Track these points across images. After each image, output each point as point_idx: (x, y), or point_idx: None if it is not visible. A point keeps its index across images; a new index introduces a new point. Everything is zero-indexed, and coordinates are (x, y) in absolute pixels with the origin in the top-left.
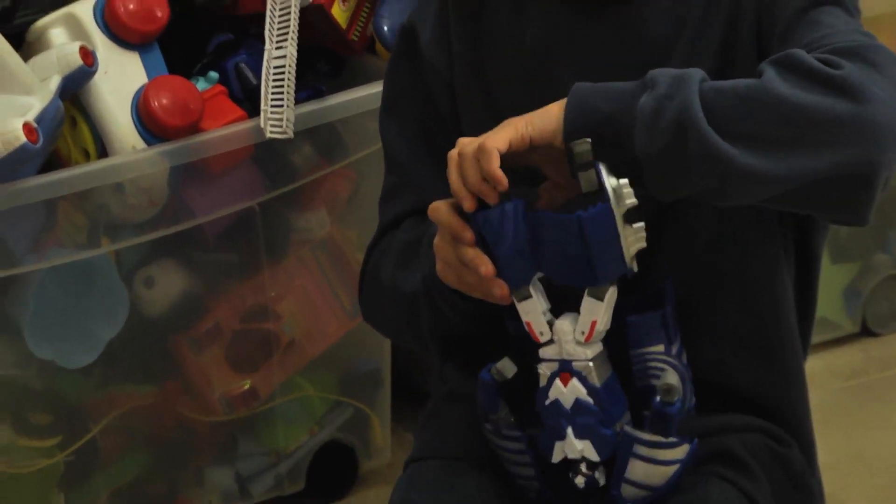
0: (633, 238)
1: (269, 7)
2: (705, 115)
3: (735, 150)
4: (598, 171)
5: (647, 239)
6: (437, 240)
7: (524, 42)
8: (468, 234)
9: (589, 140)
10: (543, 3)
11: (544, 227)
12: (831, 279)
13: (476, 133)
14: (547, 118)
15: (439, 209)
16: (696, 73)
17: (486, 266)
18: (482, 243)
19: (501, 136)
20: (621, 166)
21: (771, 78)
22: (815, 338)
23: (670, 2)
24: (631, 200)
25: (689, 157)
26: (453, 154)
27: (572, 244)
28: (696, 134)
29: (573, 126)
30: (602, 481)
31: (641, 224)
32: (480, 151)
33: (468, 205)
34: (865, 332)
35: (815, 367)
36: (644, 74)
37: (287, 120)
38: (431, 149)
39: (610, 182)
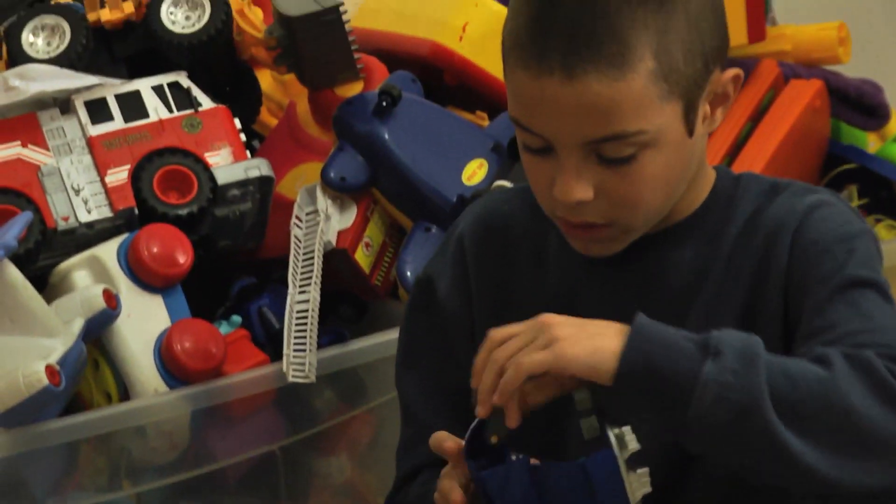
0: (638, 483)
1: (292, 251)
2: (772, 402)
3: (800, 446)
4: (600, 419)
5: (669, 482)
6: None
7: (546, 291)
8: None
9: (588, 388)
10: (565, 255)
11: (550, 478)
12: None
13: None
14: (599, 358)
15: (441, 447)
16: (760, 347)
17: None
18: (486, 499)
19: (540, 359)
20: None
21: (842, 377)
22: None
23: (692, 253)
24: (634, 446)
25: (747, 440)
26: (484, 352)
27: (578, 491)
28: (762, 423)
29: (629, 380)
30: None
31: (646, 469)
32: (512, 365)
33: (482, 411)
34: None
35: None
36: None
37: (309, 364)
38: (449, 403)
39: (612, 431)
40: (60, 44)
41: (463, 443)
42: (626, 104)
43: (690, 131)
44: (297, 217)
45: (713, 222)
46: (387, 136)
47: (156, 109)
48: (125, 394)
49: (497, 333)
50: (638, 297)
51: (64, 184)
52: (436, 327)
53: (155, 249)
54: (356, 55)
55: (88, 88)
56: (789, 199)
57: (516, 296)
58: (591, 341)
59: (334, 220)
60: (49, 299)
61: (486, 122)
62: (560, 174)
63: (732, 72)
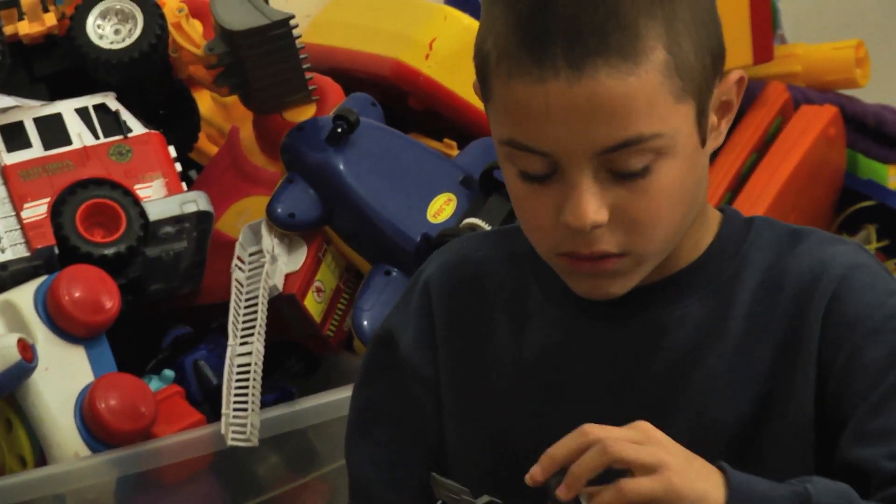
0: None
1: (233, 297)
2: None
3: None
4: None
5: None
6: None
7: (526, 354)
8: None
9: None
10: (551, 309)
11: None
12: None
13: (466, 462)
14: None
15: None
16: (858, 501)
17: None
18: None
19: (649, 489)
20: None
21: None
22: None
23: (698, 307)
24: None
25: None
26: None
27: None
28: None
29: None
30: None
31: None
32: (613, 490)
33: (538, 473)
34: None
35: None
36: (663, 389)
37: (252, 426)
38: (407, 479)
39: None
40: None
41: None
42: (642, 102)
43: (703, 140)
44: (240, 258)
45: (722, 271)
46: (342, 167)
47: (80, 135)
48: (42, 458)
49: (593, 430)
50: (635, 359)
51: None
52: (395, 390)
53: (77, 294)
54: (308, 75)
55: (3, 111)
56: (816, 252)
57: (491, 357)
58: (701, 483)
59: (281, 262)
60: None
61: (454, 152)
62: (571, 196)
63: (736, 74)
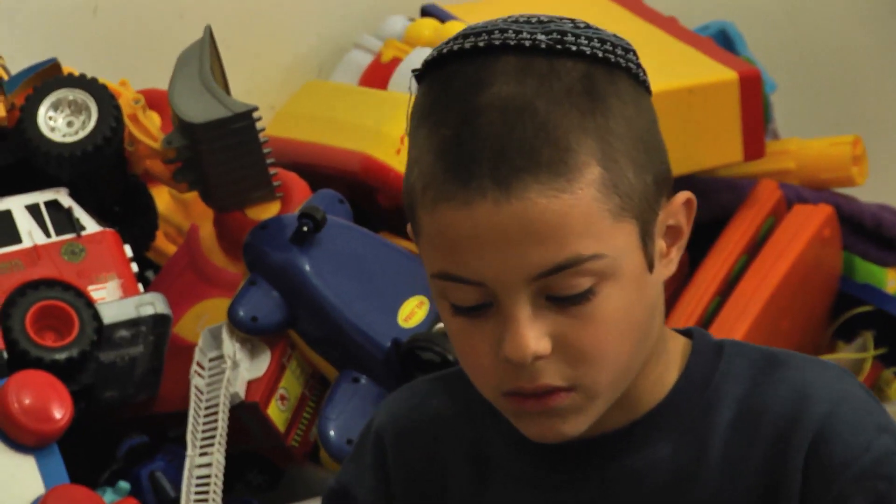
0: None
1: (192, 405)
2: None
3: None
4: None
5: None
6: None
7: None
8: None
9: None
10: (515, 462)
11: None
12: None
13: None
14: None
15: None
16: None
17: None
18: None
19: None
20: None
21: None
22: None
23: (671, 449)
24: None
25: None
26: None
27: None
28: None
29: None
30: None
31: None
32: None
33: None
34: None
35: None
36: None
37: None
38: None
39: None
40: None
41: None
42: (577, 220)
43: (650, 264)
44: (199, 364)
45: (693, 408)
46: (308, 268)
47: (30, 233)
48: None
49: None
50: None
51: None
52: None
53: (27, 401)
54: (272, 170)
55: None
56: (796, 383)
57: None
58: None
59: (243, 368)
60: None
61: None
62: (508, 327)
63: (683, 196)
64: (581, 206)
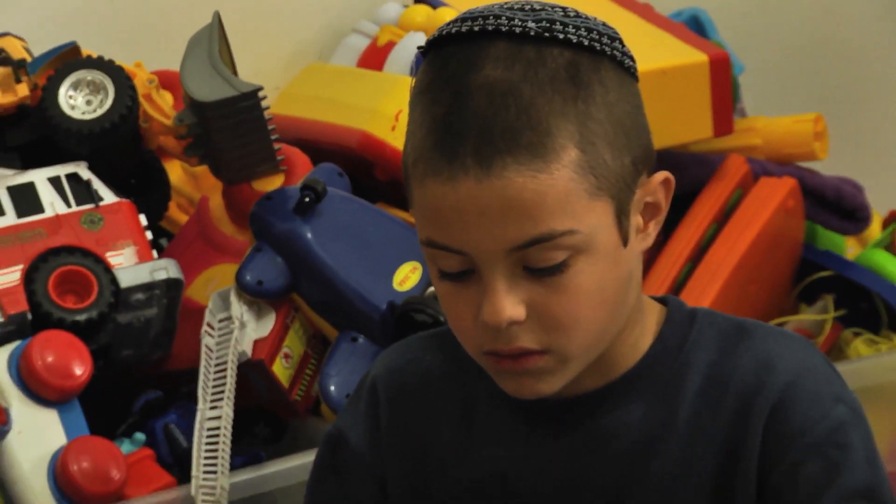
0: None
1: (202, 363)
2: None
3: None
4: None
5: None
6: None
7: (474, 458)
8: None
9: None
10: (498, 417)
11: None
12: None
13: None
14: None
15: None
16: None
17: None
18: None
19: None
20: None
21: None
22: None
23: (642, 411)
24: None
25: None
26: None
27: None
28: None
29: None
30: None
31: None
32: None
33: None
34: None
35: None
36: (613, 495)
37: (221, 488)
38: None
39: None
40: None
41: None
42: (552, 199)
43: (625, 240)
44: (209, 325)
45: (665, 373)
46: (309, 236)
47: (52, 204)
48: None
49: None
50: (585, 466)
51: None
52: (342, 491)
53: (49, 359)
54: (276, 145)
55: None
56: (761, 353)
57: (438, 460)
58: None
59: (250, 329)
60: None
61: None
62: (487, 293)
63: (661, 175)
64: (557, 186)
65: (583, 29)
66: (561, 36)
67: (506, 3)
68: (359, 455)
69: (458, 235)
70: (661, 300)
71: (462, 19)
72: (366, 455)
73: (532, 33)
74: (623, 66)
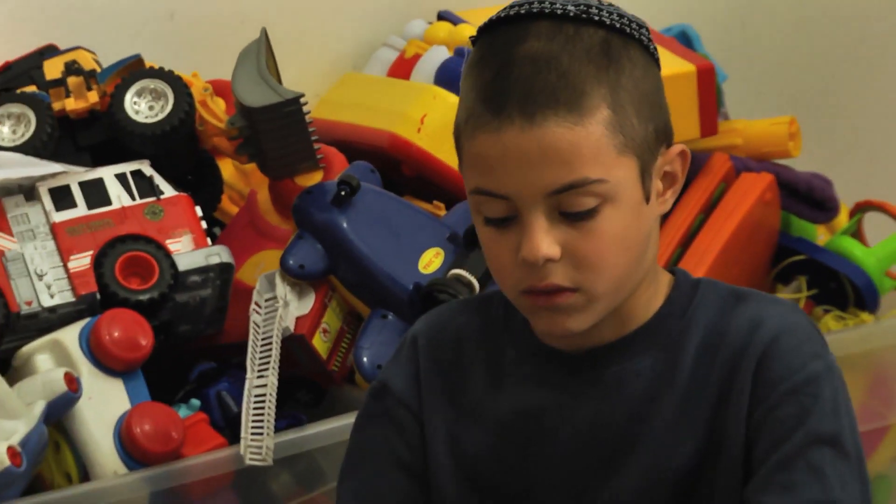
0: None
1: (251, 337)
2: None
3: None
4: None
5: None
6: None
7: (501, 406)
8: None
9: None
10: (524, 366)
11: None
12: None
13: (448, 496)
14: None
15: None
16: None
17: None
18: None
19: None
20: None
21: None
22: None
23: (651, 361)
24: None
25: None
26: None
27: None
28: None
29: None
30: None
31: None
32: None
33: None
34: None
35: None
36: (623, 436)
37: (267, 448)
38: None
39: None
40: (26, 132)
41: None
42: (587, 149)
43: (647, 197)
44: (257, 303)
45: (671, 330)
46: (345, 225)
47: (118, 197)
48: (85, 475)
49: None
50: (600, 409)
51: (27, 269)
52: (384, 436)
53: (116, 334)
54: (316, 145)
55: (53, 176)
56: (753, 313)
57: (470, 404)
58: None
59: (293, 307)
60: (11, 382)
61: (442, 212)
62: (526, 233)
63: (678, 147)
64: (591, 139)
65: (615, 14)
66: (596, 18)
67: None
68: (401, 399)
69: (502, 181)
70: (671, 271)
71: (509, 6)
72: (407, 398)
73: (571, 14)
74: (648, 50)
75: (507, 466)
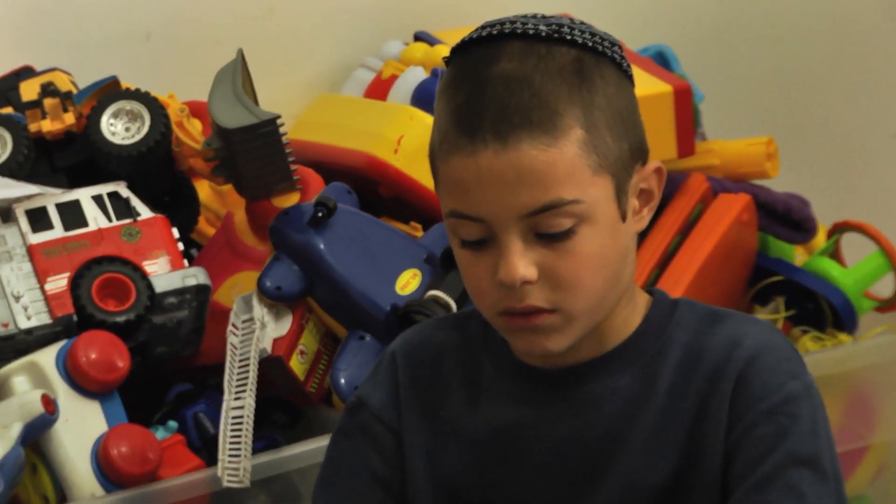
0: None
1: (228, 358)
2: None
3: None
4: None
5: None
6: None
7: (480, 421)
8: None
9: None
10: (502, 383)
11: None
12: None
13: None
14: None
15: None
16: None
17: None
18: None
19: None
20: None
21: None
22: None
23: (629, 380)
24: None
25: None
26: None
27: None
28: None
29: None
30: None
31: None
32: None
33: None
34: None
35: None
36: (600, 454)
37: (244, 469)
38: None
39: None
40: (2, 153)
41: None
42: (561, 170)
43: (623, 215)
44: (234, 325)
45: (649, 349)
46: (322, 247)
47: (95, 219)
48: (62, 497)
49: None
50: (576, 427)
51: (4, 291)
52: (359, 451)
53: (93, 356)
54: (293, 167)
55: (29, 198)
56: (731, 332)
57: (449, 421)
58: None
59: (270, 329)
60: None
61: (419, 233)
62: (503, 256)
63: (654, 164)
64: (565, 159)
65: (587, 33)
66: (568, 37)
67: (518, 14)
68: (378, 415)
69: (477, 203)
70: (649, 291)
71: (481, 27)
72: (384, 414)
73: (543, 34)
74: (621, 68)
75: (485, 482)
